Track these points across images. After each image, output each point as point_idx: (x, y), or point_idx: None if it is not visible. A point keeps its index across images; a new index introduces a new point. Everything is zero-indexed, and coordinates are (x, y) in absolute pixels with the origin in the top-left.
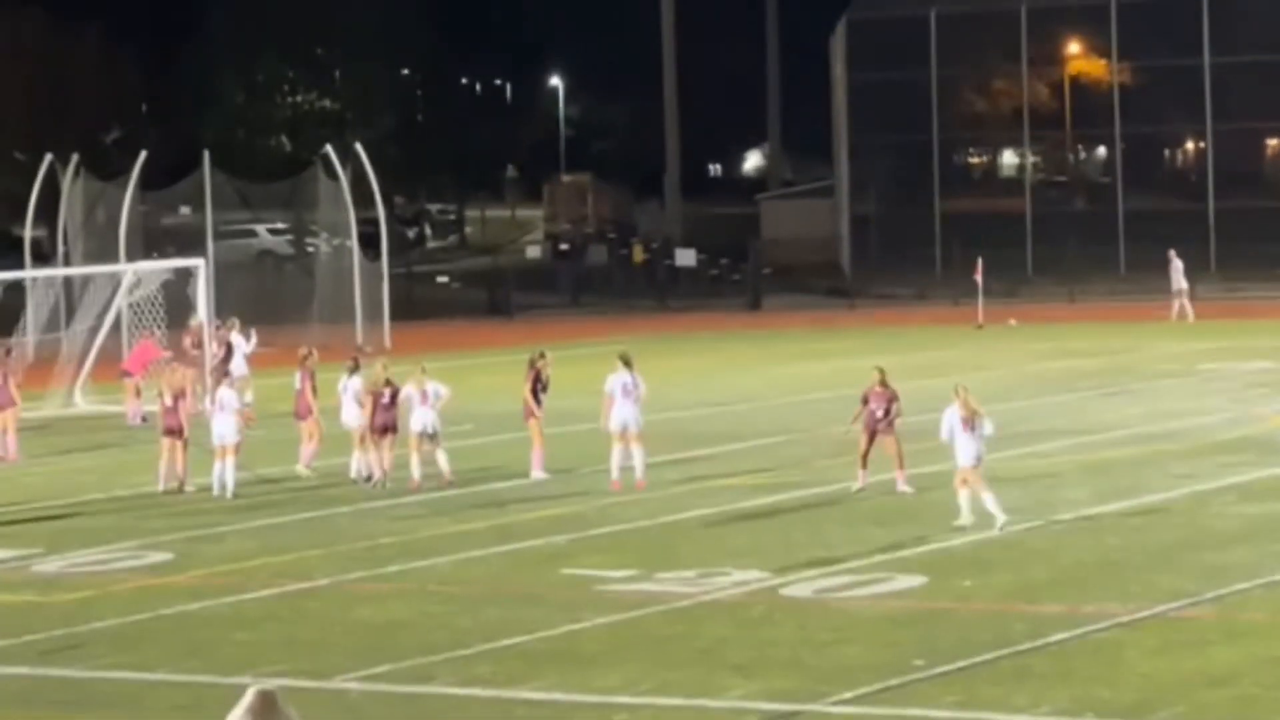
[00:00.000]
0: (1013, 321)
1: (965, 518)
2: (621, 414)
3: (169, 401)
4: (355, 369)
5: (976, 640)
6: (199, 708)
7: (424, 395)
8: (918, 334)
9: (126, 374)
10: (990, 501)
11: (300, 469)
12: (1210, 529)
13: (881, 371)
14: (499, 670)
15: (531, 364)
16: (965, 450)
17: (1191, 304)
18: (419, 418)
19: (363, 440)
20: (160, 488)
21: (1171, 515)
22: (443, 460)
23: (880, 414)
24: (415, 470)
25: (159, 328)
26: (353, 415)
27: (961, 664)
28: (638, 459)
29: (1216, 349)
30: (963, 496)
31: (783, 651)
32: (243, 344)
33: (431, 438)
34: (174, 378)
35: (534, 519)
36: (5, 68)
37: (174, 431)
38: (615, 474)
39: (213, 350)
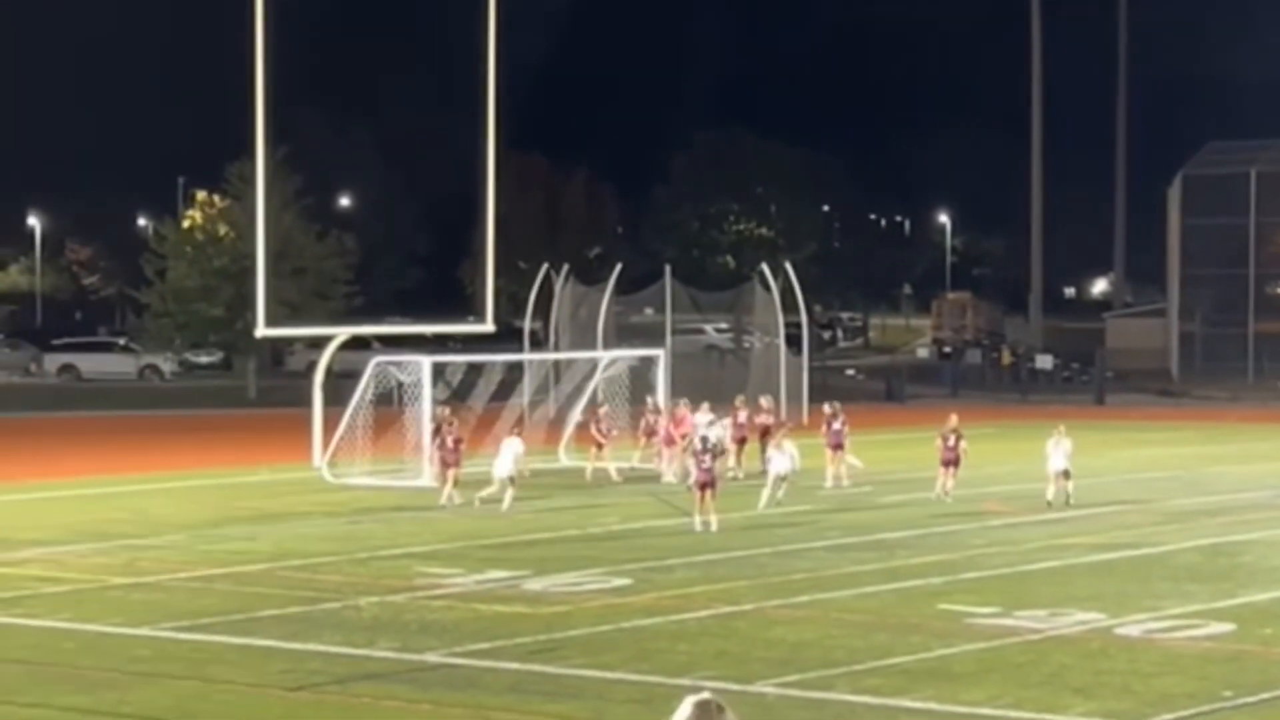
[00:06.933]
0: None
1: (765, 505)
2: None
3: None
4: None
5: (1276, 679)
6: (648, 702)
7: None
8: (1232, 430)
9: (670, 441)
10: (766, 497)
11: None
12: None
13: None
14: (885, 683)
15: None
16: (779, 464)
17: None
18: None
19: None
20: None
21: None
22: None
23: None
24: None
25: (625, 402)
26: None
27: (1264, 696)
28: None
29: None
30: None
31: (1115, 679)
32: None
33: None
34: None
35: (916, 563)
36: (513, 197)
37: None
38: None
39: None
